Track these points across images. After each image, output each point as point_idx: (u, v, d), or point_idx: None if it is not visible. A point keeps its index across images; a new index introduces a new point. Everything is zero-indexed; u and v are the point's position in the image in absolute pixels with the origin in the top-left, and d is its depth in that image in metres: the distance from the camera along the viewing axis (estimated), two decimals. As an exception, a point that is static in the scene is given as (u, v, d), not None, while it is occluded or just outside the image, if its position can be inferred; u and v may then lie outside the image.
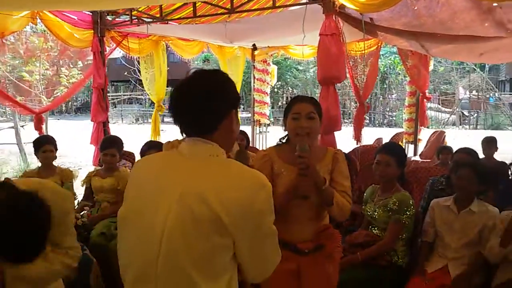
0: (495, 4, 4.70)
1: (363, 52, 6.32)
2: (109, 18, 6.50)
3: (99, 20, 6.29)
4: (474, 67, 22.14)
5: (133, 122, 25.10)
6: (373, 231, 3.14)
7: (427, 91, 7.91)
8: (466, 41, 5.76)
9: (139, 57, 7.61)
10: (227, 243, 1.35)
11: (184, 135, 1.46)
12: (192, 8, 5.71)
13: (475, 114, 22.71)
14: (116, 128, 19.84)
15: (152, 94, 7.61)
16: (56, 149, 4.18)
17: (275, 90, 23.01)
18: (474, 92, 23.55)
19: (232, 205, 1.32)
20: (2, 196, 1.32)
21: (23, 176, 4.43)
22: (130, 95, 28.86)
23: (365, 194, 3.36)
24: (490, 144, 5.24)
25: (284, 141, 2.39)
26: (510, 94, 25.13)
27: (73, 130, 18.62)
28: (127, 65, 24.05)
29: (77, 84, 7.52)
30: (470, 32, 5.31)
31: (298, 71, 23.87)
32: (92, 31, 6.27)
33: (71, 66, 12.44)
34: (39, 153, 4.04)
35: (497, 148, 5.26)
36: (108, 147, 4.04)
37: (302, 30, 4.83)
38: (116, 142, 4.10)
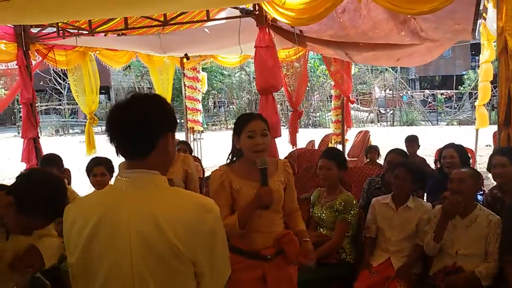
0: (409, 16, 5.22)
1: (292, 59, 6.66)
2: (33, 30, 6.25)
3: (22, 33, 6.03)
4: (387, 68, 23.71)
5: (53, 134, 23.83)
6: (322, 231, 3.38)
7: (350, 95, 8.45)
8: (384, 49, 6.30)
9: (60, 68, 7.37)
10: (190, 272, 1.40)
11: (120, 156, 1.46)
12: (123, 19, 5.66)
13: (391, 112, 24.32)
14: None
15: (83, 106, 7.38)
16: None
17: (201, 95, 23.00)
18: (388, 91, 25.18)
19: (185, 233, 1.35)
20: (41, 175, 1.79)
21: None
22: (47, 105, 27.37)
23: (312, 197, 3.60)
24: (412, 142, 5.74)
25: (234, 159, 2.50)
26: (420, 92, 27.23)
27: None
28: (42, 74, 22.92)
29: (5, 100, 7.08)
30: (389, 40, 5.82)
31: (223, 76, 24.09)
32: (16, 44, 6.00)
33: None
34: None
35: (419, 145, 5.78)
36: (46, 165, 3.91)
37: (235, 41, 5.01)
38: (55, 161, 3.98)
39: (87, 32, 6.11)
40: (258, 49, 4.83)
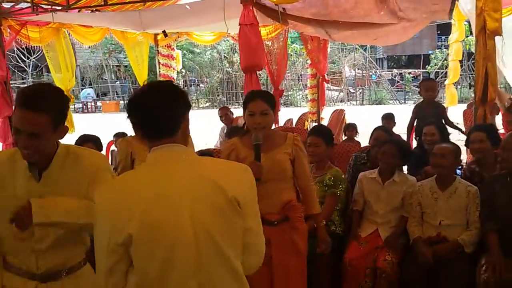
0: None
1: (271, 37, 6.68)
2: (5, 5, 6.01)
3: (-6, 8, 5.80)
4: (357, 46, 23.94)
5: (17, 114, 22.98)
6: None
7: (325, 74, 8.56)
8: (363, 28, 6.41)
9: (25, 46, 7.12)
10: (242, 227, 1.53)
11: (146, 138, 1.52)
12: (102, -4, 5.52)
13: (360, 91, 24.71)
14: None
15: (59, 84, 7.20)
16: None
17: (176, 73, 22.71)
18: (358, 70, 25.52)
19: (237, 187, 1.50)
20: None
21: None
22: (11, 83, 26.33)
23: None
24: (389, 119, 5.95)
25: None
26: (388, 71, 27.71)
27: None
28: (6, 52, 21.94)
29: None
30: (369, 19, 5.93)
31: (193, 54, 23.78)
32: (-13, 19, 5.78)
33: None
34: None
35: (395, 123, 5.97)
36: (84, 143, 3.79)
37: (217, 18, 5.00)
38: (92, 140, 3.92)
39: (61, 7, 5.92)
40: (243, 27, 4.82)
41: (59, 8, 5.82)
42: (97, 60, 25.97)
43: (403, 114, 6.35)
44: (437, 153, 3.28)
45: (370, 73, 24.97)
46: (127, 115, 1.52)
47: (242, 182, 1.55)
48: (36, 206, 1.73)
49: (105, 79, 26.75)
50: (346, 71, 25.04)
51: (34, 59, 22.17)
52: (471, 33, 16.86)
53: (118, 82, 27.19)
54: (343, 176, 3.52)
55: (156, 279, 1.40)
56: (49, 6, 5.97)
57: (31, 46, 7.41)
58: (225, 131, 6.23)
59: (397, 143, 3.56)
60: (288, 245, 2.63)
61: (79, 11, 6.53)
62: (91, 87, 25.92)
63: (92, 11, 6.52)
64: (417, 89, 24.79)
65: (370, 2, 5.38)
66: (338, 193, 3.44)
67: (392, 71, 26.86)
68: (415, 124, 5.14)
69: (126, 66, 25.38)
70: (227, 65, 24.47)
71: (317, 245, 2.90)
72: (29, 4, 5.90)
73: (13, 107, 5.03)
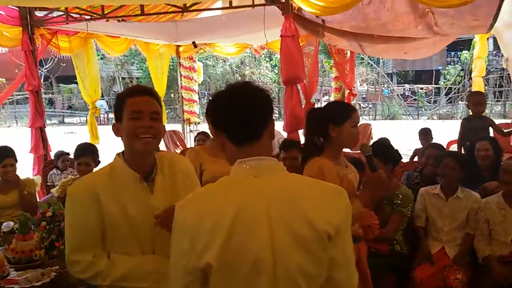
0: (427, 10, 5.28)
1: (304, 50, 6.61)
2: (37, 14, 5.99)
3: (28, 16, 5.76)
4: (370, 61, 23.95)
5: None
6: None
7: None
8: (396, 42, 6.36)
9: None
10: (327, 257, 1.34)
11: (232, 142, 1.41)
12: (138, 6, 5.48)
13: (371, 106, 24.62)
14: (15, 132, 18.11)
15: (85, 95, 7.16)
16: (16, 161, 3.83)
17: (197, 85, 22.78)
18: (370, 85, 25.47)
19: (332, 218, 1.32)
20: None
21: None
22: (22, 94, 26.45)
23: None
24: (426, 135, 5.85)
25: None
26: (397, 86, 27.64)
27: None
28: (17, 61, 21.92)
29: (9, 88, 6.81)
30: (405, 34, 5.88)
31: (206, 67, 23.81)
32: (21, 28, 5.73)
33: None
34: None
35: (432, 137, 5.87)
36: (82, 155, 3.77)
37: (252, 29, 4.95)
38: (91, 150, 3.85)
39: (96, 16, 5.88)
40: (284, 39, 4.77)
41: (94, 16, 5.77)
42: (109, 72, 26.04)
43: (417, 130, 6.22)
44: (509, 170, 3.16)
45: (382, 88, 24.90)
46: (210, 117, 1.43)
47: (336, 209, 1.35)
48: None
49: (115, 91, 26.81)
50: (357, 85, 25.00)
51: (45, 70, 22.27)
52: (497, 49, 16.87)
53: (129, 94, 27.22)
54: (412, 196, 3.43)
55: None
56: (82, 15, 5.94)
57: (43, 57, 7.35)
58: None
59: (455, 156, 3.50)
60: None
61: (107, 21, 6.49)
62: (103, 99, 25.97)
63: (118, 21, 6.47)
64: (429, 104, 24.80)
65: (410, 17, 5.33)
66: (406, 213, 3.35)
67: (403, 86, 26.77)
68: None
69: (138, 78, 25.44)
70: (239, 78, 24.50)
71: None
72: (61, 13, 5.87)
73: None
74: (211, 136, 5.12)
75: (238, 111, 1.38)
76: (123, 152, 1.83)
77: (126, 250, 1.74)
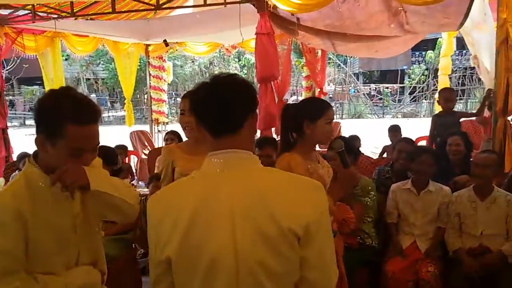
0: (400, 8, 5.38)
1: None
2: (2, 12, 5.75)
3: (-10, 14, 5.53)
4: (337, 61, 24.29)
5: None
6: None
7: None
8: (368, 40, 6.43)
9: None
10: (297, 261, 1.29)
11: (210, 133, 1.37)
12: (109, 4, 5.34)
13: (338, 105, 24.94)
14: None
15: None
16: None
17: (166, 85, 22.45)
18: (337, 85, 25.81)
19: (301, 217, 1.26)
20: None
21: None
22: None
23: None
24: (396, 132, 5.96)
25: None
26: (364, 86, 28.13)
27: None
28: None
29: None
30: (378, 32, 5.95)
31: (175, 67, 23.52)
32: (-17, 26, 5.50)
33: None
34: None
35: (401, 134, 5.97)
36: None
37: (226, 26, 4.90)
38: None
39: (64, 15, 5.67)
40: (260, 36, 4.75)
41: (62, 15, 5.58)
42: (73, 73, 25.37)
43: (386, 127, 6.38)
44: (479, 163, 3.24)
45: (349, 88, 25.29)
46: (191, 108, 1.40)
47: (312, 206, 1.29)
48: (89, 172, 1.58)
49: (81, 92, 26.13)
50: (325, 85, 25.28)
51: (5, 72, 21.51)
52: (463, 48, 17.43)
53: (94, 95, 26.64)
54: (372, 185, 3.50)
55: None
56: (50, 14, 5.74)
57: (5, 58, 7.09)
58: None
59: (433, 153, 3.55)
60: None
61: (75, 19, 6.30)
62: (67, 100, 25.26)
63: (86, 19, 6.29)
64: (394, 103, 25.36)
65: (384, 15, 5.40)
66: (367, 202, 3.39)
67: (369, 85, 27.27)
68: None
69: (103, 79, 24.88)
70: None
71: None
72: (27, 11, 5.65)
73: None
74: (181, 135, 5.10)
75: (212, 102, 1.34)
76: (34, 154, 1.66)
77: (50, 268, 1.61)
